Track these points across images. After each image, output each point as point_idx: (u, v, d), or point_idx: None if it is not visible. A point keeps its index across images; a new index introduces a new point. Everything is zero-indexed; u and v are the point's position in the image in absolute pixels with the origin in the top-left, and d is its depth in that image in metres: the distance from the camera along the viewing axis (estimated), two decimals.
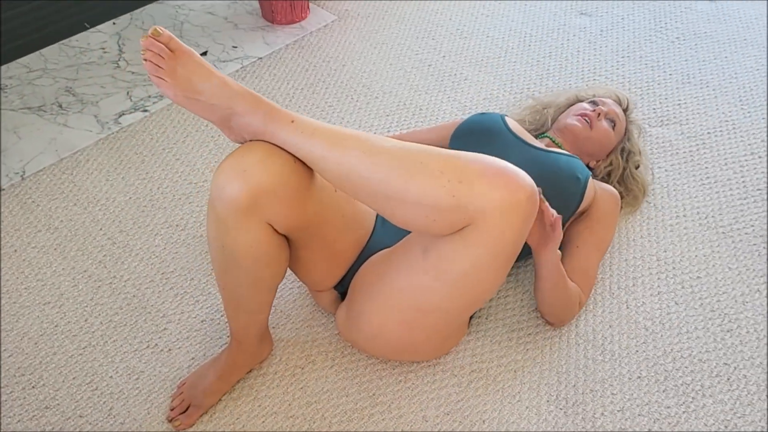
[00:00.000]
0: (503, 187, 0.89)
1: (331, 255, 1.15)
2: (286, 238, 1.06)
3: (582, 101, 1.54)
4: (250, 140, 0.99)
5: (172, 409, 1.18)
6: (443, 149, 0.94)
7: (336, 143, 0.94)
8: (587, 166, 1.50)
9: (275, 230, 1.01)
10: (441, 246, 0.97)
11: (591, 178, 1.37)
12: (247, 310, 1.11)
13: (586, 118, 1.44)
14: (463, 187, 0.89)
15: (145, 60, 0.94)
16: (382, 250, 1.18)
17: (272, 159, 0.95)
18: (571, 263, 1.31)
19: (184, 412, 1.17)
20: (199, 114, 0.98)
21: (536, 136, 1.52)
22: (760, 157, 1.66)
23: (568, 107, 1.55)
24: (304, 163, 0.98)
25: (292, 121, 0.96)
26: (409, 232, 1.15)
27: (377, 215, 1.24)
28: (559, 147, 1.44)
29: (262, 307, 1.11)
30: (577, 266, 1.30)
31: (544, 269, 1.20)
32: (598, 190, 1.38)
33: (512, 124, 1.44)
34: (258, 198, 0.94)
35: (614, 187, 1.49)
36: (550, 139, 1.46)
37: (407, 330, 1.11)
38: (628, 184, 1.51)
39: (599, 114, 1.45)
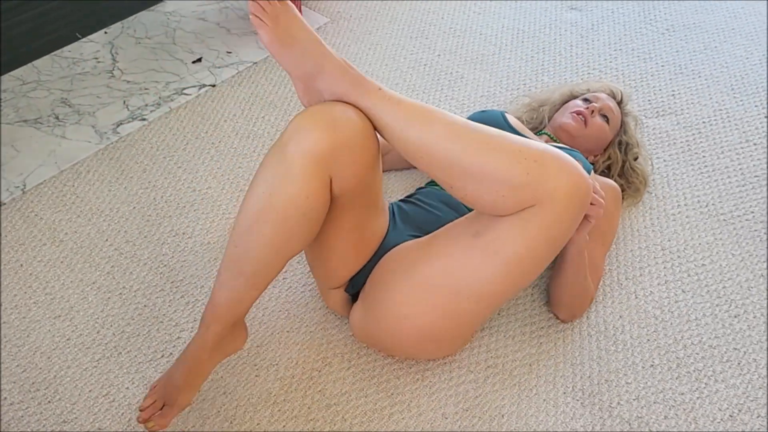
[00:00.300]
0: (572, 173, 0.96)
1: (357, 239, 1.15)
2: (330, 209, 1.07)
3: (576, 97, 1.56)
4: (328, 100, 1.02)
5: (142, 410, 1.08)
6: (518, 136, 1.00)
7: (421, 114, 0.99)
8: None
9: (330, 189, 1.02)
10: (496, 227, 1.01)
11: (592, 173, 1.39)
12: (248, 280, 1.04)
13: (581, 116, 1.46)
14: (538, 167, 0.95)
15: (253, 0, 0.99)
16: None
17: (360, 118, 1.00)
18: (570, 263, 1.32)
19: (160, 410, 1.08)
20: (287, 64, 1.01)
21: (536, 134, 1.54)
22: (755, 144, 1.69)
23: (563, 104, 1.56)
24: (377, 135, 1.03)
25: (379, 89, 1.01)
26: (427, 233, 1.16)
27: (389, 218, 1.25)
28: (558, 143, 1.46)
29: (265, 281, 1.06)
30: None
31: (573, 249, 1.22)
32: (599, 184, 1.40)
33: (513, 120, 1.46)
34: (337, 150, 0.97)
35: (615, 180, 1.51)
36: (549, 136, 1.48)
37: (439, 315, 1.09)
38: (629, 177, 1.53)
39: (593, 111, 1.47)
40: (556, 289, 1.29)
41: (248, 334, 1.19)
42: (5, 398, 1.22)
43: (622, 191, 1.50)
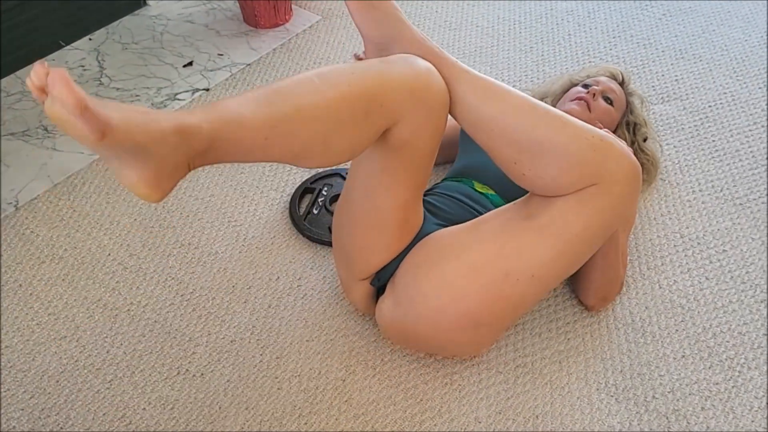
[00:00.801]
0: (632, 158, 1.01)
1: (402, 219, 1.09)
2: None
3: (576, 84, 1.53)
4: None
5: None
6: None
7: (495, 88, 1.02)
8: None
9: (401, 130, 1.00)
10: (551, 208, 1.02)
11: None
12: (274, 114, 0.85)
13: (583, 101, 1.43)
14: (604, 145, 0.99)
15: None
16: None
17: (445, 87, 1.02)
18: (602, 247, 1.29)
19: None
20: (365, 25, 1.02)
21: None
22: (762, 126, 1.67)
23: (564, 94, 1.53)
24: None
25: (456, 62, 1.04)
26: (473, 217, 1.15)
27: None
28: None
29: (288, 135, 0.87)
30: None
31: None
32: None
33: None
34: (427, 91, 0.98)
35: None
36: None
37: (486, 298, 1.05)
38: (640, 159, 1.49)
39: (594, 94, 1.43)
40: (591, 271, 1.25)
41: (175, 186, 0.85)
42: (14, 427, 1.16)
43: None
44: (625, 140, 1.48)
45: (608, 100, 1.45)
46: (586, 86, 1.48)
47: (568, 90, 1.53)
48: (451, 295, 1.05)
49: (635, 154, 1.49)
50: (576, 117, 1.39)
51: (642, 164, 1.50)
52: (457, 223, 1.13)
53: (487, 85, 1.03)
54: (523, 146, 1.00)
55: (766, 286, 1.33)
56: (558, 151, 0.99)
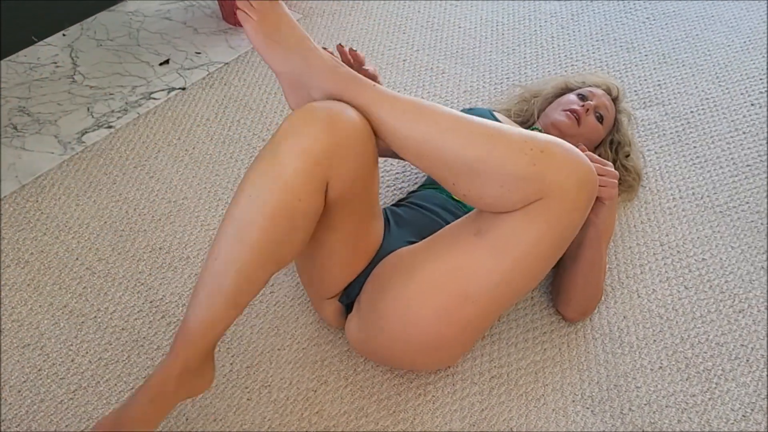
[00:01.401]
0: (579, 165, 0.92)
1: (354, 246, 1.08)
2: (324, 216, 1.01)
3: (571, 90, 1.50)
4: (318, 100, 0.96)
5: None
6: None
7: (419, 110, 0.94)
8: None
9: (326, 193, 0.96)
10: (500, 225, 0.95)
11: None
12: (228, 298, 0.93)
13: (575, 115, 1.39)
14: (545, 157, 0.90)
15: None
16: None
17: (359, 117, 0.94)
18: (581, 262, 1.27)
19: None
20: (271, 61, 0.97)
21: (527, 129, 1.48)
22: (744, 133, 1.66)
23: (556, 97, 1.50)
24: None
25: (374, 86, 0.96)
26: (423, 238, 1.10)
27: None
28: None
29: (249, 294, 0.95)
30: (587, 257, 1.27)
31: (593, 232, 1.18)
32: None
33: (502, 118, 1.40)
34: (335, 151, 0.92)
35: None
36: (539, 131, 1.42)
37: (444, 320, 1.02)
38: (621, 175, 1.48)
39: (588, 110, 1.40)
40: (570, 282, 1.23)
41: (215, 375, 1.11)
42: None
43: None
44: (607, 158, 1.46)
45: (599, 118, 1.43)
46: (581, 96, 1.44)
47: (561, 95, 1.50)
48: (409, 319, 1.02)
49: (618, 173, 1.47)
50: (564, 130, 1.38)
51: (624, 180, 1.48)
52: (427, 236, 1.10)
53: (409, 106, 0.95)
54: (457, 168, 0.93)
55: (744, 296, 1.32)
56: (494, 171, 0.91)
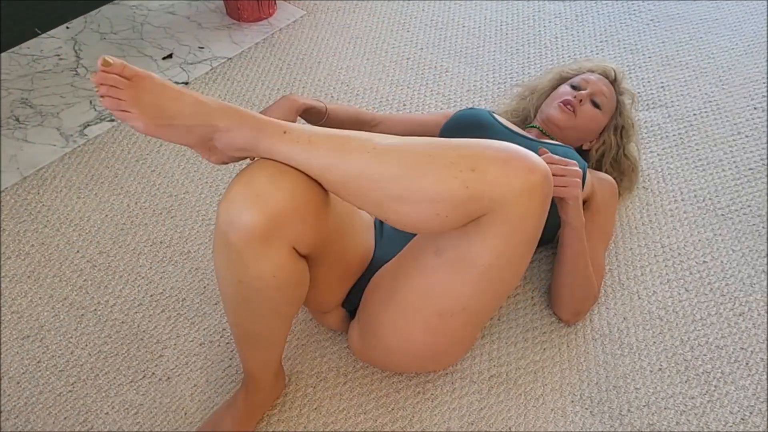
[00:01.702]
0: (517, 170, 0.84)
1: (344, 270, 1.09)
2: (306, 259, 0.98)
3: (566, 80, 1.46)
4: (239, 157, 0.90)
5: None
6: (450, 139, 0.88)
7: (338, 149, 0.86)
8: (580, 149, 1.46)
9: (298, 253, 0.93)
10: (456, 243, 0.91)
11: (588, 167, 1.34)
12: (265, 346, 1.02)
13: (569, 106, 1.37)
14: (477, 176, 0.83)
15: (102, 96, 0.83)
16: (388, 260, 1.12)
17: (284, 176, 0.86)
18: (568, 266, 1.26)
19: None
20: (174, 140, 0.88)
21: (524, 127, 1.47)
22: (746, 136, 1.66)
23: (553, 89, 1.47)
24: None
25: (285, 132, 0.87)
26: (412, 238, 1.09)
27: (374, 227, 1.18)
28: (549, 137, 1.40)
29: (281, 339, 1.03)
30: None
31: (569, 231, 1.17)
32: (595, 180, 1.35)
33: (501, 120, 1.40)
34: (278, 222, 0.85)
35: (607, 169, 1.46)
36: (539, 130, 1.41)
37: (431, 336, 1.03)
38: (621, 164, 1.46)
39: (581, 99, 1.37)
40: (558, 283, 1.23)
41: (286, 377, 1.19)
42: None
43: (617, 186, 1.45)
44: (611, 144, 1.44)
45: (596, 105, 1.40)
46: (574, 86, 1.41)
47: (557, 86, 1.47)
48: (400, 335, 1.03)
49: (619, 160, 1.46)
50: (560, 123, 1.37)
51: (624, 172, 1.47)
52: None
53: (327, 144, 0.86)
54: (389, 203, 0.86)
55: (744, 299, 1.32)
56: (428, 200, 0.84)
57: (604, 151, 1.45)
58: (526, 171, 0.84)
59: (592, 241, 1.29)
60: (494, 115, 1.35)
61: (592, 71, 1.46)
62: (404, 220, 0.88)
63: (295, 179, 0.87)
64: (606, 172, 1.46)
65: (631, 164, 1.47)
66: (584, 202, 1.33)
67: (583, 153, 1.47)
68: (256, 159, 0.90)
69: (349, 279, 1.12)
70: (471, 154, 0.84)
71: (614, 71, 1.46)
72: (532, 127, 1.42)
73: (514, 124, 1.53)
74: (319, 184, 0.90)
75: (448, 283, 0.95)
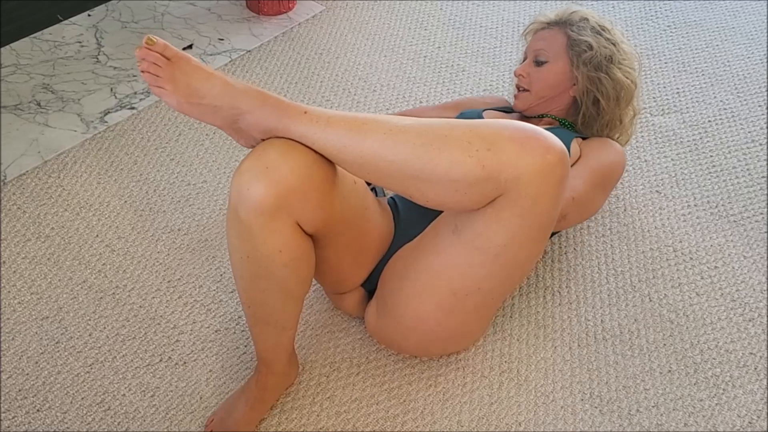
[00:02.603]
0: (533, 150, 0.85)
1: (358, 251, 1.10)
2: (312, 238, 1.00)
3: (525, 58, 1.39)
4: (263, 140, 0.93)
5: None
6: (467, 120, 0.90)
7: (354, 129, 0.89)
8: (573, 104, 1.34)
9: (303, 231, 0.95)
10: (473, 223, 0.93)
11: (577, 138, 1.28)
12: (276, 326, 1.04)
13: (518, 88, 1.34)
14: (493, 155, 0.85)
15: (143, 71, 0.90)
16: (409, 241, 1.13)
17: (294, 153, 0.90)
18: None
19: None
20: (204, 119, 0.93)
21: (537, 117, 1.41)
22: (761, 144, 1.67)
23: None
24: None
25: (305, 113, 0.90)
26: (434, 218, 1.10)
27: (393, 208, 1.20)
28: (559, 120, 1.35)
29: (292, 320, 1.05)
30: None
31: None
32: (583, 143, 1.30)
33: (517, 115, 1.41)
34: (285, 196, 0.88)
35: (604, 110, 1.31)
36: (552, 117, 1.37)
37: (444, 315, 1.05)
38: (607, 88, 1.28)
39: (519, 75, 1.33)
40: None
41: (299, 364, 1.20)
42: None
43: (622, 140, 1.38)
44: (589, 82, 1.28)
45: (539, 63, 1.31)
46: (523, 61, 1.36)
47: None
48: (416, 315, 1.06)
49: (602, 83, 1.28)
50: (523, 109, 1.33)
51: (621, 123, 1.35)
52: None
53: (345, 125, 0.89)
54: (407, 182, 0.89)
55: (755, 305, 1.33)
56: (445, 179, 0.86)
57: (586, 89, 1.29)
58: (542, 151, 0.85)
59: (579, 169, 1.23)
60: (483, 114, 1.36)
61: (533, 31, 1.38)
62: (426, 197, 0.91)
63: (305, 155, 0.90)
64: (607, 126, 1.35)
65: (620, 84, 1.28)
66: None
67: (576, 111, 1.35)
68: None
69: (368, 261, 1.14)
70: (488, 134, 0.86)
71: (553, 13, 1.35)
72: (546, 116, 1.38)
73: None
74: (329, 164, 0.94)
75: (464, 262, 0.97)
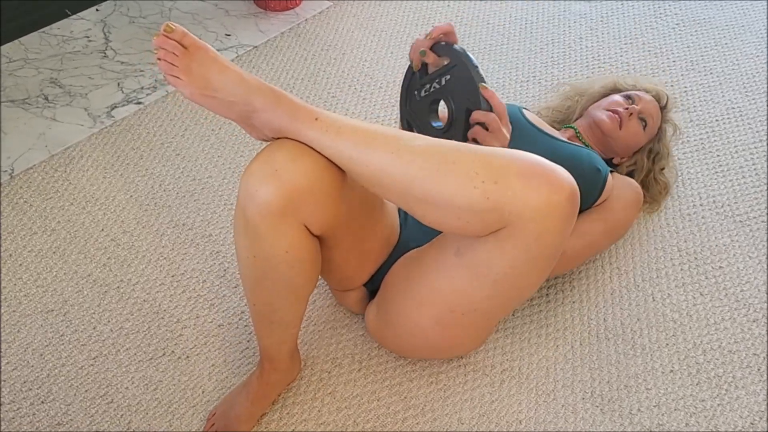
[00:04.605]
0: (540, 188, 0.83)
1: (363, 252, 1.10)
2: (319, 239, 1.00)
3: (620, 91, 1.47)
4: (274, 138, 0.93)
5: None
6: (477, 146, 0.88)
7: (363, 143, 0.88)
8: (610, 162, 1.46)
9: (310, 232, 0.96)
10: (476, 248, 0.92)
11: (612, 173, 1.34)
12: (281, 324, 1.04)
13: (617, 116, 1.37)
14: (499, 188, 0.83)
15: (159, 59, 0.89)
16: (413, 245, 1.14)
17: (303, 156, 0.89)
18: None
19: None
20: (217, 112, 0.93)
21: (560, 127, 1.48)
22: None
23: (602, 96, 1.47)
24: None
25: (316, 119, 0.90)
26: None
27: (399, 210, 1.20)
28: (583, 142, 1.40)
29: (296, 318, 1.05)
30: (576, 228, 1.24)
31: None
32: (618, 182, 1.35)
33: (531, 117, 1.40)
34: (293, 198, 0.88)
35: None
36: (575, 130, 1.41)
37: (441, 329, 1.06)
38: (650, 189, 1.47)
39: (631, 113, 1.37)
40: None
41: (302, 361, 1.21)
42: None
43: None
44: (642, 167, 1.44)
45: (643, 122, 1.40)
46: (627, 97, 1.42)
47: (608, 95, 1.47)
48: (413, 325, 1.06)
49: (648, 184, 1.46)
50: (605, 130, 1.36)
51: (650, 192, 1.47)
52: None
53: (355, 136, 0.89)
54: (411, 200, 0.88)
55: (759, 306, 1.33)
56: (449, 205, 0.85)
57: (633, 171, 1.46)
58: (548, 190, 0.83)
59: (591, 217, 1.27)
60: (523, 111, 1.36)
61: (647, 91, 1.46)
62: (428, 219, 0.90)
63: (314, 159, 0.90)
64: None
65: (661, 189, 1.47)
66: (602, 203, 1.33)
67: (611, 165, 1.47)
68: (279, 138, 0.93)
69: (372, 261, 1.14)
70: (496, 165, 0.84)
71: (666, 97, 1.46)
72: (569, 127, 1.42)
73: (552, 121, 1.53)
74: (338, 168, 0.93)
75: (463, 284, 0.97)
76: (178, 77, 0.89)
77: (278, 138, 0.93)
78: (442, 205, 0.86)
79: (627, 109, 1.38)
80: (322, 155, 0.91)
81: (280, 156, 0.88)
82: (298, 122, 0.90)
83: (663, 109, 1.45)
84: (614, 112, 1.37)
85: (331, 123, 0.90)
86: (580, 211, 1.27)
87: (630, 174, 1.46)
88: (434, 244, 1.04)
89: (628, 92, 1.44)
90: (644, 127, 1.40)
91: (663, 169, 1.46)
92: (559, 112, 1.52)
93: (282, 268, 0.95)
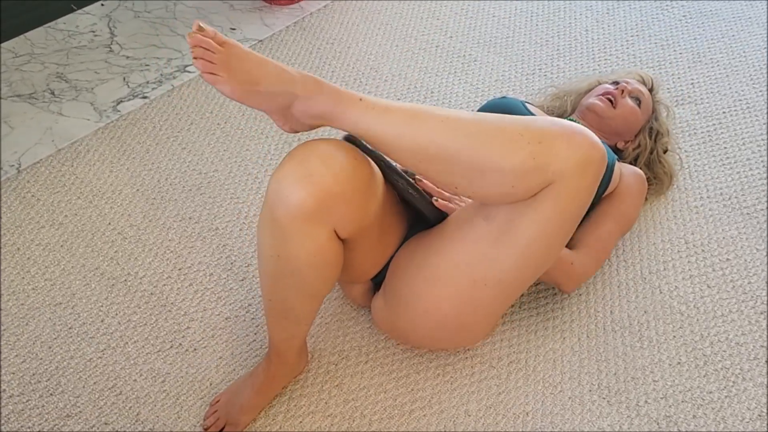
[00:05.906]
0: (581, 145, 0.88)
1: (381, 249, 1.11)
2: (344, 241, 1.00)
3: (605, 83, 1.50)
4: (313, 125, 0.94)
5: (206, 429, 1.11)
6: (517, 116, 0.92)
7: (411, 117, 0.90)
8: (615, 148, 1.47)
9: (337, 236, 0.96)
10: (507, 212, 0.95)
11: (618, 161, 1.34)
12: (294, 321, 1.04)
13: (609, 96, 1.41)
14: (544, 148, 0.87)
15: (195, 58, 0.87)
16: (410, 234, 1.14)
17: (335, 159, 0.90)
18: (585, 228, 1.28)
19: (221, 431, 1.11)
20: (258, 106, 0.92)
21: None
22: None
23: (590, 91, 1.51)
24: (364, 157, 0.94)
25: (360, 99, 0.91)
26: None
27: None
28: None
29: (310, 316, 1.06)
30: (591, 231, 1.28)
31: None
32: (624, 172, 1.35)
33: (533, 108, 1.40)
34: (326, 203, 0.89)
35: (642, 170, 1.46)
36: (574, 121, 1.42)
37: (458, 306, 1.04)
38: (655, 169, 1.48)
39: (622, 91, 1.41)
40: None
41: (309, 355, 1.21)
42: (4, 390, 1.16)
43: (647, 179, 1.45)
44: (645, 146, 1.46)
45: (636, 101, 1.43)
46: (615, 83, 1.46)
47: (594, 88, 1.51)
48: (427, 306, 1.05)
49: (652, 163, 1.48)
50: (600, 112, 1.39)
51: (656, 174, 1.48)
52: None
53: (401, 112, 0.90)
54: (456, 171, 0.90)
55: (766, 298, 1.32)
56: (495, 170, 0.88)
57: (638, 153, 1.47)
58: (588, 146, 0.89)
59: (603, 219, 1.30)
60: (527, 105, 1.36)
61: (631, 77, 1.50)
62: (473, 188, 0.92)
63: (346, 160, 0.91)
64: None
65: (666, 170, 1.49)
66: (610, 193, 1.34)
67: (617, 152, 1.49)
68: (308, 139, 0.94)
69: (385, 255, 1.14)
70: (538, 128, 0.89)
71: (651, 79, 1.50)
72: (569, 119, 1.43)
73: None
74: (368, 168, 0.94)
75: (492, 251, 0.98)
76: (217, 75, 0.87)
77: (316, 125, 0.94)
78: (489, 170, 0.89)
79: (617, 88, 1.41)
80: (355, 152, 0.92)
81: (314, 159, 0.89)
82: (342, 104, 0.91)
83: (651, 91, 1.49)
84: (605, 94, 1.41)
85: (376, 102, 0.92)
86: (592, 205, 1.27)
87: (635, 159, 1.47)
88: (449, 221, 1.05)
89: (614, 79, 1.48)
90: (639, 104, 1.43)
91: (666, 150, 1.47)
92: (551, 112, 1.54)
93: (305, 270, 0.95)
